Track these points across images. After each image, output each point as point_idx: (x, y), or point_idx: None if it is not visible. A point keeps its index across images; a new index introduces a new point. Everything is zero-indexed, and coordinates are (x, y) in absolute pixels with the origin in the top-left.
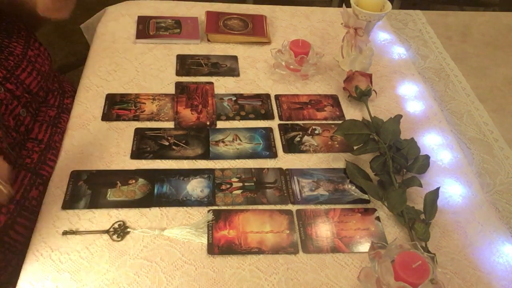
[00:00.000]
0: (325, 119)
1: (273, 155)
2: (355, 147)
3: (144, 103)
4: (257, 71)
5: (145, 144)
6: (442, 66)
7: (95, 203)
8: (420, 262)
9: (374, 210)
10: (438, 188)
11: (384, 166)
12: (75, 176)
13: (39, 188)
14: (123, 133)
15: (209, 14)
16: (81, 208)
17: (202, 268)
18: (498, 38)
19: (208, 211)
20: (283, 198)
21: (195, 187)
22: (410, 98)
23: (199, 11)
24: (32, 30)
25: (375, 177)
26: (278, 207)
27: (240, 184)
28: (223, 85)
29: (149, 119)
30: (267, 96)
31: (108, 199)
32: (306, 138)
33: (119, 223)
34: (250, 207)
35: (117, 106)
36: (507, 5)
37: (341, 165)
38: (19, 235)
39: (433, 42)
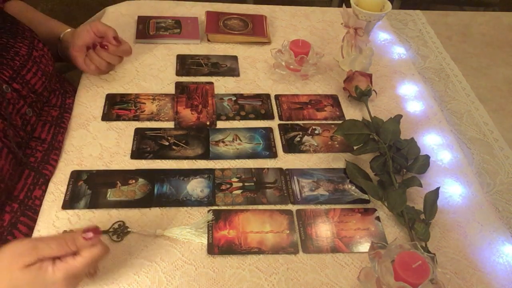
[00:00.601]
0: (325, 119)
1: (273, 155)
2: (355, 147)
3: (144, 103)
4: (257, 71)
5: (145, 144)
6: (442, 66)
7: (95, 203)
8: (420, 262)
9: (374, 210)
10: (438, 188)
11: (384, 166)
12: (75, 176)
13: (42, 188)
14: (123, 133)
15: (209, 14)
16: (81, 208)
17: (202, 268)
18: (498, 38)
19: (208, 211)
20: (283, 198)
21: (195, 187)
22: (410, 98)
23: (199, 11)
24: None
25: (375, 177)
26: (278, 207)
27: (240, 184)
28: (223, 85)
29: (149, 119)
30: (267, 96)
31: (108, 199)
32: (306, 138)
33: (119, 223)
34: (250, 207)
35: (117, 106)
36: (507, 5)
37: (341, 165)
38: (22, 235)
39: (433, 42)
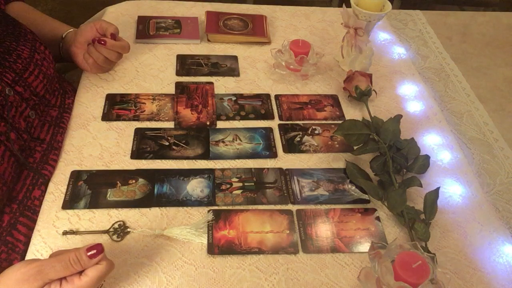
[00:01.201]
0: (325, 119)
1: (273, 155)
2: (355, 147)
3: (144, 103)
4: (257, 71)
5: (145, 144)
6: (442, 66)
7: (95, 203)
8: (420, 262)
9: (374, 210)
10: (438, 188)
11: (384, 166)
12: (75, 176)
13: (41, 188)
14: (123, 133)
15: (209, 14)
16: (81, 208)
17: (202, 268)
18: (498, 38)
19: (208, 211)
20: (283, 198)
21: (195, 187)
22: (410, 98)
23: (199, 11)
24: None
25: (375, 177)
26: (278, 207)
27: (240, 184)
28: (223, 85)
29: (149, 119)
30: (267, 96)
31: (108, 199)
32: (306, 138)
33: (119, 223)
34: (250, 207)
35: (117, 106)
36: (507, 5)
37: (341, 165)
38: (22, 235)
39: (433, 42)
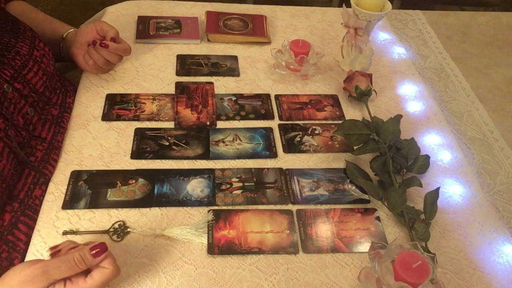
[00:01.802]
0: (325, 119)
1: (273, 155)
2: (355, 147)
3: (144, 103)
4: (257, 71)
5: (145, 144)
6: (442, 66)
7: (95, 203)
8: (420, 262)
9: (374, 210)
10: (438, 188)
11: (384, 166)
12: (75, 176)
13: (42, 187)
14: (123, 133)
15: (209, 14)
16: (81, 208)
17: (202, 268)
18: (498, 38)
19: (208, 211)
20: (283, 198)
21: (195, 187)
22: (410, 98)
23: (199, 11)
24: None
25: (375, 177)
26: (278, 207)
27: (240, 184)
28: (223, 85)
29: (149, 119)
30: (267, 96)
31: (108, 199)
32: (306, 138)
33: (119, 223)
34: (250, 207)
35: (117, 106)
36: (507, 5)
37: (341, 165)
38: (23, 234)
39: (433, 42)
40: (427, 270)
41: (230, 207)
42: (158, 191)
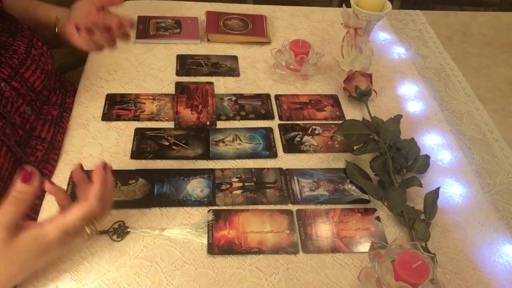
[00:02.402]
0: (325, 119)
1: (273, 155)
2: (355, 147)
3: (144, 103)
4: (257, 71)
5: (145, 144)
6: (442, 66)
7: None
8: (420, 262)
9: (374, 210)
10: (438, 188)
11: (384, 166)
12: None
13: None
14: (123, 133)
15: (209, 14)
16: None
17: (202, 268)
18: (498, 38)
19: (208, 211)
20: (283, 198)
21: (195, 187)
22: (410, 98)
23: (199, 11)
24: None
25: (375, 177)
26: (278, 207)
27: (240, 184)
28: (223, 85)
29: (149, 119)
30: (267, 96)
31: None
32: (306, 138)
33: (119, 223)
34: (250, 207)
35: (117, 106)
36: (507, 5)
37: (341, 165)
38: None
39: (433, 42)
40: (427, 270)
41: (230, 207)
42: (158, 191)
